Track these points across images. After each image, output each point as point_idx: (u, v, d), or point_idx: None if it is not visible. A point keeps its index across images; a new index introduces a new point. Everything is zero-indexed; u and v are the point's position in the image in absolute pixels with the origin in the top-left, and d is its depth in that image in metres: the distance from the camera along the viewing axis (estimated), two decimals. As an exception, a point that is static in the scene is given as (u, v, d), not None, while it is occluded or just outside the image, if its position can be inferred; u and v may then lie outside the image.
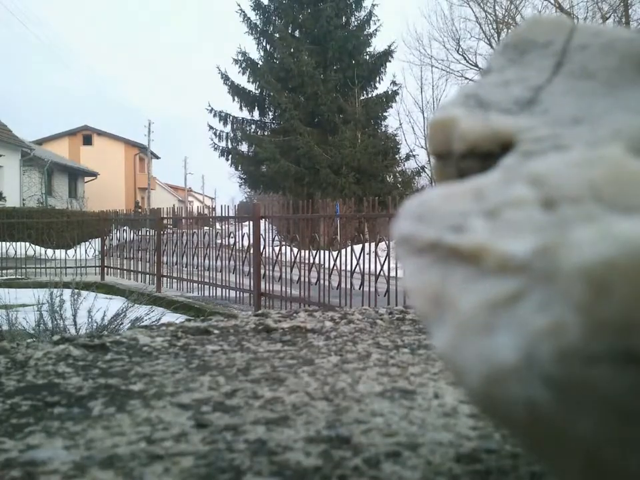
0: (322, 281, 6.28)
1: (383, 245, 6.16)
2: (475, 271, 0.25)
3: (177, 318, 4.52)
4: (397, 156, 21.71)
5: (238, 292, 7.68)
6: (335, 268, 6.19)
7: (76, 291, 4.61)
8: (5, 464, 0.47)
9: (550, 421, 0.23)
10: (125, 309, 4.56)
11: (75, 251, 11.45)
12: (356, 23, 22.39)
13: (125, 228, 11.24)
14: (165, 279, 9.26)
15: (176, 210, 10.02)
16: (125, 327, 4.31)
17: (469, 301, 0.25)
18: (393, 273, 5.47)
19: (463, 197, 0.29)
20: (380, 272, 5.68)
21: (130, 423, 0.57)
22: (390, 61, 22.41)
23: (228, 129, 22.75)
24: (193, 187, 61.06)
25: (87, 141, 37.12)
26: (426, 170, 21.30)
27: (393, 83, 22.16)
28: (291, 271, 6.79)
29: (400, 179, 21.51)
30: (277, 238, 7.46)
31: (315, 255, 6.50)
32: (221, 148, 22.68)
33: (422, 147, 22.98)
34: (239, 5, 22.03)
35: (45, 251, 11.70)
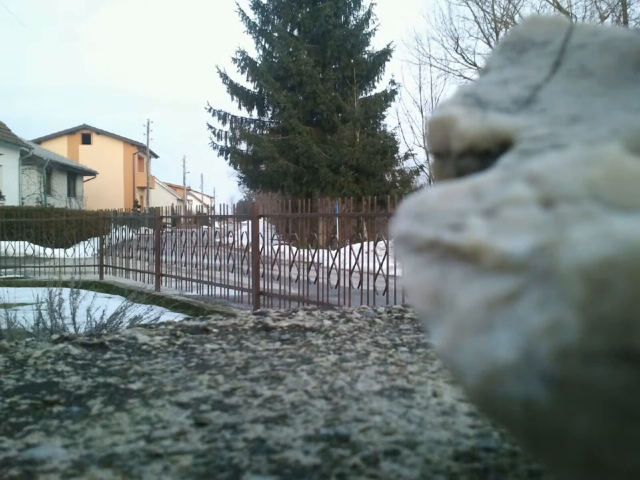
0: (321, 280, 6.28)
1: (381, 243, 6.16)
2: (473, 270, 0.26)
3: (175, 317, 4.52)
4: (395, 155, 21.72)
5: (237, 291, 7.68)
6: (333, 267, 6.20)
7: (75, 289, 4.61)
8: (4, 462, 0.47)
9: (548, 419, 0.23)
10: (123, 308, 4.56)
11: (74, 250, 11.44)
12: (355, 22, 22.38)
13: (123, 227, 11.24)
14: (163, 277, 9.27)
15: (175, 209, 10.02)
16: (123, 325, 4.31)
17: (467, 300, 0.25)
18: (391, 272, 5.47)
19: (462, 196, 0.29)
20: (379, 271, 5.68)
21: (129, 421, 0.57)
22: (389, 60, 22.41)
23: (227, 127, 22.75)
24: (192, 186, 61.07)
25: (86, 140, 37.10)
26: (424, 169, 21.32)
27: (392, 82, 22.17)
28: (290, 270, 6.79)
29: (399, 178, 21.52)
30: (275, 237, 7.46)
31: (314, 254, 6.50)
32: (219, 147, 22.66)
33: (420, 146, 23.05)
34: (238, 4, 22.04)
35: (44, 250, 11.69)
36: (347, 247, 6.26)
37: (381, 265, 5.68)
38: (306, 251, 6.70)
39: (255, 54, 22.68)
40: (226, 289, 7.88)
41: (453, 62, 21.85)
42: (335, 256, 6.23)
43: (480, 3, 20.68)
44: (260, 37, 22.42)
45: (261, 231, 7.26)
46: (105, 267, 10.92)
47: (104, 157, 35.86)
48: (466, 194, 0.29)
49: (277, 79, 21.02)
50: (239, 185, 25.97)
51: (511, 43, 0.44)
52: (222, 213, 8.48)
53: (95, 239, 11.47)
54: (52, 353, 0.82)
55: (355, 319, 1.08)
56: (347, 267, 6.03)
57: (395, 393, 0.67)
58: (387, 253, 5.66)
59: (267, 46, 22.39)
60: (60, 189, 27.86)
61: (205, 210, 21.11)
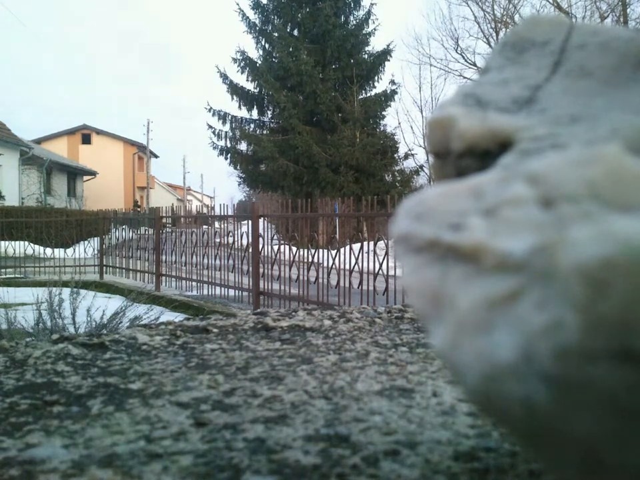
0: (321, 280, 6.28)
1: (381, 243, 6.16)
2: (473, 269, 0.26)
3: (175, 317, 4.52)
4: (395, 155, 21.72)
5: (237, 291, 7.68)
6: (333, 267, 6.20)
7: (75, 289, 4.61)
8: (4, 462, 0.47)
9: (548, 419, 0.23)
10: (123, 308, 4.56)
11: (74, 250, 11.45)
12: (355, 22, 22.38)
13: (123, 227, 11.24)
14: (163, 277, 9.26)
15: (175, 209, 10.03)
16: (123, 325, 4.31)
17: (467, 299, 0.25)
18: (391, 272, 5.47)
19: (462, 196, 0.29)
20: (379, 271, 5.68)
21: (129, 421, 0.57)
22: (389, 60, 22.41)
23: (227, 127, 22.76)
24: (192, 186, 61.09)
25: (86, 140, 37.09)
26: (424, 169, 21.33)
27: (392, 82, 22.17)
28: (290, 270, 6.79)
29: (398, 178, 21.53)
30: (275, 237, 7.46)
31: (314, 254, 6.50)
32: (219, 147, 22.66)
33: (420, 146, 23.08)
34: (238, 4, 22.03)
35: (44, 250, 11.70)
36: (347, 247, 6.26)
37: (380, 264, 5.68)
38: (306, 250, 6.70)
39: (255, 54, 22.71)
40: (226, 289, 7.88)
41: (453, 62, 21.92)
42: (335, 256, 6.23)
43: (480, 3, 20.70)
44: (260, 37, 22.41)
45: (260, 231, 7.26)
46: (105, 267, 10.92)
47: (104, 157, 35.86)
48: (466, 194, 0.29)
49: (277, 79, 21.02)
50: (238, 185, 25.98)
51: (511, 43, 0.44)
52: (222, 213, 8.48)
53: (95, 239, 11.47)
54: (52, 352, 0.82)
55: (355, 319, 1.08)
56: (347, 266, 6.03)
57: (395, 392, 0.67)
58: (386, 253, 5.66)
59: (266, 46, 22.39)
60: (60, 188, 27.85)
61: (204, 210, 21.15)
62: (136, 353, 0.85)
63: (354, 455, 0.49)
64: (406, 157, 22.23)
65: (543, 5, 19.33)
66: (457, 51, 21.83)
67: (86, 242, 11.74)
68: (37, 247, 11.90)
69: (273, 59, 21.97)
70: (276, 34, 21.78)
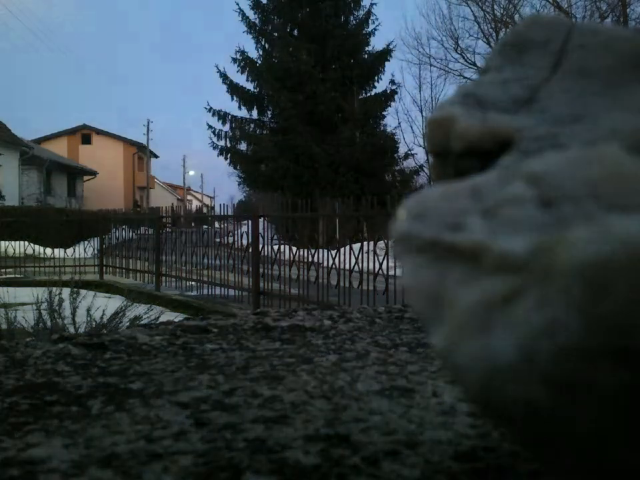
0: (321, 280, 6.28)
1: (381, 243, 6.17)
2: (473, 270, 0.25)
3: (175, 316, 4.52)
4: (395, 155, 21.74)
5: (237, 290, 7.68)
6: (333, 266, 6.20)
7: (75, 289, 4.61)
8: (4, 463, 0.47)
9: (548, 420, 0.23)
10: (123, 308, 4.56)
11: (74, 249, 11.45)
12: (355, 22, 22.38)
13: (123, 227, 11.25)
14: (163, 277, 9.27)
15: (175, 209, 10.03)
16: (123, 325, 4.31)
17: (467, 300, 0.25)
18: (391, 272, 5.47)
19: (461, 196, 0.29)
20: (379, 270, 5.69)
21: (129, 421, 0.57)
22: (389, 60, 22.41)
23: (227, 127, 22.75)
24: (192, 185, 61.18)
25: (86, 139, 37.09)
26: (424, 169, 21.32)
27: (392, 82, 22.18)
28: (290, 270, 6.79)
29: (398, 178, 21.53)
30: (275, 237, 7.46)
31: (314, 254, 6.50)
32: (219, 147, 22.65)
33: (420, 146, 23.05)
34: (238, 4, 22.03)
35: (44, 250, 11.70)
36: (347, 247, 6.27)
37: (380, 264, 5.69)
38: (306, 250, 6.70)
39: (254, 54, 22.69)
40: (226, 289, 7.88)
41: (453, 62, 21.85)
42: (335, 256, 6.23)
43: (480, 3, 20.67)
44: (260, 37, 22.41)
45: (260, 231, 7.26)
46: (104, 267, 10.92)
47: (104, 157, 35.84)
48: (466, 194, 0.29)
49: (277, 79, 21.01)
50: (238, 185, 25.94)
51: (511, 43, 0.44)
52: (222, 213, 8.48)
53: (95, 238, 11.48)
54: (52, 352, 0.82)
55: (355, 319, 1.08)
56: (347, 266, 6.03)
57: (395, 392, 0.67)
58: (386, 253, 5.66)
59: (266, 46, 22.39)
60: (60, 188, 27.86)
61: (204, 210, 21.19)
62: (136, 353, 0.85)
63: (354, 455, 0.49)
64: (406, 156, 22.25)
65: (543, 5, 19.31)
66: (456, 51, 21.80)
67: (86, 242, 11.74)
68: (36, 246, 11.90)
69: (273, 59, 21.96)
70: (276, 34, 21.78)
